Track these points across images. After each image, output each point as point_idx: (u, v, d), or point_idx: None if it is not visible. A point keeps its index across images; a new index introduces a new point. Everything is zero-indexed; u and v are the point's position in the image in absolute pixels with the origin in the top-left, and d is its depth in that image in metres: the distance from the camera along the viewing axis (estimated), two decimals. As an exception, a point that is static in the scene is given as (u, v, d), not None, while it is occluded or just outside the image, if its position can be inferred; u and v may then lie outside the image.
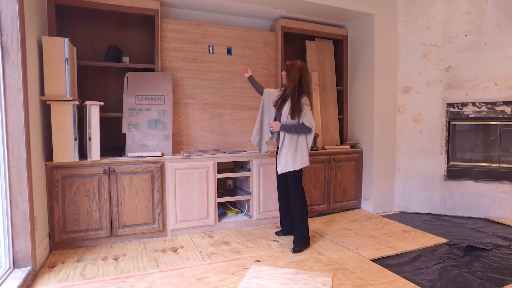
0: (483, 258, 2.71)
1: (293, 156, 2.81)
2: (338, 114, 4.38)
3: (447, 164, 3.97)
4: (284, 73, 2.93)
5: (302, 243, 2.84)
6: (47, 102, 2.67)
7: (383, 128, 4.04)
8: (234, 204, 3.82)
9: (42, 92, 2.68)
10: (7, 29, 2.12)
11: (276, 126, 2.88)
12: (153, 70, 3.41)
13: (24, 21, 2.21)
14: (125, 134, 3.19)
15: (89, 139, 2.85)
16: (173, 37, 3.49)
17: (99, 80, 3.40)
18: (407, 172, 4.10)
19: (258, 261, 2.60)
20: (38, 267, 2.40)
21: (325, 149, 4.00)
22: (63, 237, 2.78)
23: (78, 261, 2.58)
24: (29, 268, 2.23)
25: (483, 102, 3.81)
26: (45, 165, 2.71)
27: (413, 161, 4.07)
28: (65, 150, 2.74)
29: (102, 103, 2.92)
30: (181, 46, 3.53)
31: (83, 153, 2.96)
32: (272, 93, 3.11)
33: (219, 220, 3.39)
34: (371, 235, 3.20)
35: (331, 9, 3.77)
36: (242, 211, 3.65)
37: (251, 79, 3.26)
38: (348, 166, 4.06)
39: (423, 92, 4.01)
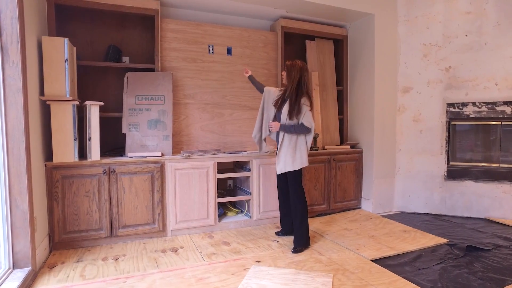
0: (484, 258, 2.71)
1: (292, 157, 2.81)
2: (338, 114, 4.38)
3: (447, 164, 3.97)
4: (284, 73, 2.93)
5: (302, 243, 2.84)
6: (47, 102, 2.67)
7: (383, 128, 4.04)
8: (234, 204, 3.82)
9: (42, 92, 2.68)
10: (6, 29, 2.12)
11: (276, 126, 2.87)
12: (153, 70, 3.40)
13: (23, 21, 2.21)
14: (125, 134, 3.18)
15: (89, 139, 2.84)
16: (173, 37, 3.49)
17: (99, 80, 3.40)
18: (407, 172, 4.10)
19: (258, 261, 2.60)
20: (38, 267, 2.40)
21: (325, 149, 3.99)
22: (63, 238, 2.78)
23: (78, 261, 2.57)
24: (29, 268, 2.23)
25: (483, 102, 3.80)
26: (45, 165, 2.70)
27: (413, 161, 4.07)
28: (65, 150, 2.74)
29: (102, 103, 2.91)
30: (181, 46, 3.53)
31: (83, 153, 2.96)
32: (272, 92, 3.11)
33: (219, 220, 3.39)
34: (371, 235, 3.20)
35: (331, 9, 3.77)
36: (242, 211, 3.64)
37: (251, 78, 3.26)
38: (348, 166, 4.06)
39: (423, 92, 4.00)
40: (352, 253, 2.78)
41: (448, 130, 3.95)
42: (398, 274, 2.39)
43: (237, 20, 3.97)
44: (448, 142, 3.96)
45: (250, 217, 3.49)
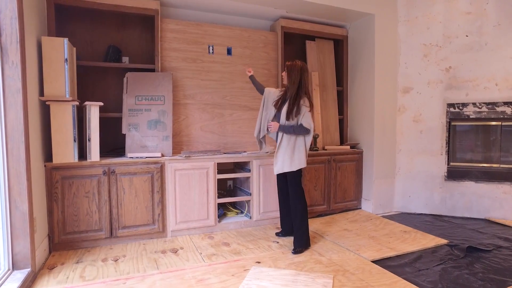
0: (484, 259, 2.70)
1: (290, 157, 2.81)
2: (338, 115, 4.37)
3: (448, 164, 3.96)
4: (284, 73, 2.92)
5: (302, 244, 2.83)
6: (47, 103, 2.66)
7: (384, 129, 4.04)
8: (234, 205, 3.81)
9: (41, 93, 2.67)
10: (6, 29, 2.11)
11: (275, 126, 2.86)
12: (153, 70, 3.39)
13: (23, 21, 2.20)
14: (125, 134, 3.18)
15: (89, 140, 2.84)
16: (173, 37, 3.48)
17: (99, 80, 3.39)
18: (407, 172, 4.10)
19: (259, 262, 2.59)
20: (38, 268, 2.39)
21: (325, 150, 3.99)
22: (63, 238, 2.77)
23: (77, 262, 2.57)
24: (28, 269, 2.22)
25: (483, 103, 3.80)
26: (45, 166, 2.69)
27: (414, 162, 4.07)
28: (65, 151, 2.73)
29: (101, 103, 2.91)
30: (181, 46, 3.52)
31: (82, 153, 2.95)
32: (272, 93, 3.11)
33: (219, 221, 3.38)
34: (371, 236, 3.19)
35: (331, 9, 3.76)
36: (242, 212, 3.64)
37: (252, 78, 3.26)
38: (348, 167, 4.05)
39: (423, 92, 4.00)
40: (353, 254, 2.77)
41: (448, 131, 3.95)
42: (399, 275, 2.38)
43: (237, 20, 3.96)
44: (448, 143, 3.96)
45: (250, 217, 3.48)
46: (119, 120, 3.30)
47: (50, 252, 2.73)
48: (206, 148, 3.63)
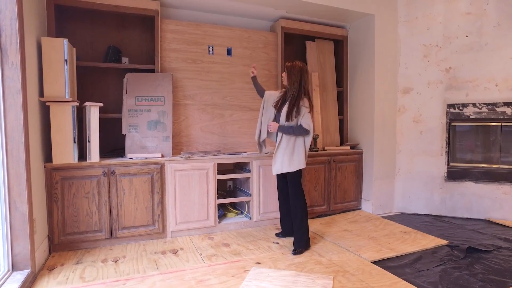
0: (484, 260, 2.70)
1: (289, 158, 2.80)
2: (338, 115, 4.37)
3: (448, 165, 3.96)
4: (284, 74, 2.92)
5: (302, 244, 2.83)
6: (46, 103, 2.66)
7: (383, 129, 4.04)
8: (234, 205, 3.81)
9: (41, 93, 2.67)
10: (6, 30, 2.11)
11: (274, 127, 2.86)
12: (152, 71, 3.39)
13: (23, 22, 2.20)
14: (124, 135, 3.17)
15: (89, 140, 2.83)
16: (173, 38, 3.48)
17: (99, 81, 3.39)
18: (407, 173, 4.10)
19: (259, 263, 2.59)
20: (37, 269, 2.39)
21: (325, 150, 3.99)
22: (63, 239, 2.77)
23: (77, 263, 2.56)
24: (28, 270, 2.22)
25: (483, 103, 3.80)
26: (44, 166, 2.69)
27: (414, 162, 4.07)
28: (65, 152, 2.73)
29: (101, 104, 2.90)
30: (181, 47, 3.52)
31: (82, 154, 2.95)
32: (272, 94, 3.10)
33: (219, 222, 3.38)
34: (371, 237, 3.19)
35: (331, 9, 3.76)
36: (242, 213, 3.64)
37: (254, 80, 3.24)
38: (348, 167, 4.05)
39: (423, 93, 4.00)
40: (353, 254, 2.77)
41: (448, 131, 3.95)
42: (399, 276, 2.38)
43: (237, 21, 3.96)
44: (448, 143, 3.96)
45: (250, 218, 3.48)
46: (119, 121, 3.30)
47: (50, 253, 2.73)
48: (206, 149, 3.63)
